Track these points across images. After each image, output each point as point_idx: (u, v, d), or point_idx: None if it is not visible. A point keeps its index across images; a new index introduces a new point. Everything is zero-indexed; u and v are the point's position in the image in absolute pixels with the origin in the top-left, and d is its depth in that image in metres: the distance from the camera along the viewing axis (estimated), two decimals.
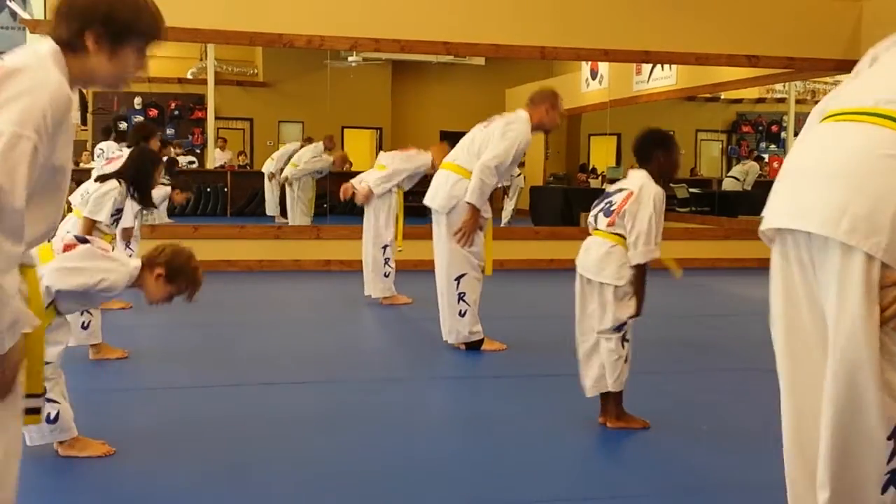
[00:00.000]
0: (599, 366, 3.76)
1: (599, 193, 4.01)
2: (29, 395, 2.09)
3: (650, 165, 3.79)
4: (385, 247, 7.00)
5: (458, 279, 5.25)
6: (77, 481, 3.15)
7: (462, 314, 5.27)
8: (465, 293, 5.24)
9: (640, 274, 3.69)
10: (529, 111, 5.24)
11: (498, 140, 5.10)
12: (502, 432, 3.84)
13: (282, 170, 12.15)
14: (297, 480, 3.20)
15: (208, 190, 14.14)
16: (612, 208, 3.73)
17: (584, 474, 3.39)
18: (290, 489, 3.11)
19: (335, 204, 13.69)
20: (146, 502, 3.05)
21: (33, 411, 2.18)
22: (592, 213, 3.84)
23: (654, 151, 3.78)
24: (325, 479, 3.22)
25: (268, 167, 12.57)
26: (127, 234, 6.40)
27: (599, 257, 3.70)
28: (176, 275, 3.21)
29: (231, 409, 4.11)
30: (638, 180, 3.74)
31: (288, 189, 11.92)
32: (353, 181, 7.24)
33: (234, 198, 14.01)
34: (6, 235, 1.62)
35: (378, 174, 7.07)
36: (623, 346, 3.72)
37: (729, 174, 15.39)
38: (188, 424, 3.87)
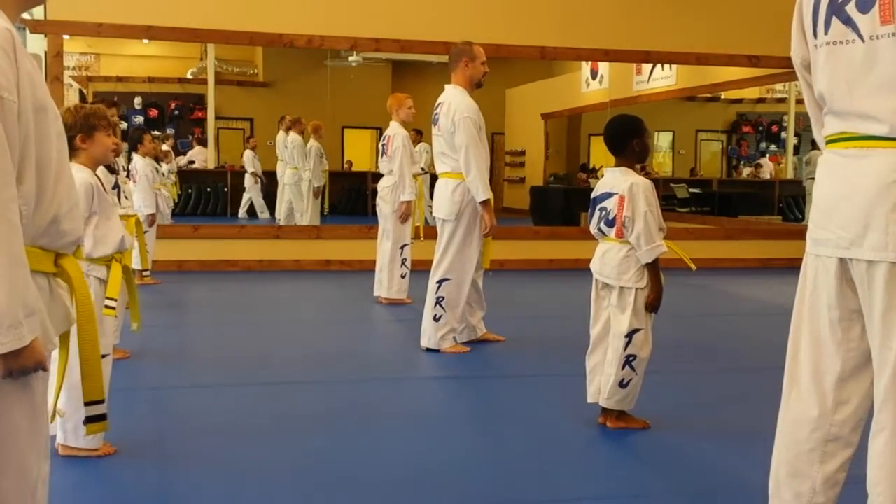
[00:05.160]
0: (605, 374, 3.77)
1: None
2: (89, 403, 1.92)
3: (626, 155, 3.79)
4: (403, 246, 6.94)
5: (440, 282, 5.25)
6: (77, 480, 3.15)
7: (437, 318, 5.26)
8: (443, 297, 5.24)
9: (653, 271, 3.70)
10: (455, 79, 5.27)
11: (460, 132, 5.10)
12: (502, 432, 3.85)
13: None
14: (297, 480, 3.20)
15: (208, 190, 14.13)
16: (611, 217, 3.73)
17: (584, 473, 3.39)
18: (291, 489, 3.11)
19: (335, 204, 13.72)
20: (146, 501, 3.05)
21: (96, 419, 2.06)
22: (593, 224, 3.83)
23: (630, 140, 3.76)
24: (325, 478, 3.22)
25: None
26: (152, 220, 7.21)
27: (618, 262, 3.71)
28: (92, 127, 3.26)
29: (232, 409, 4.11)
30: (623, 180, 3.72)
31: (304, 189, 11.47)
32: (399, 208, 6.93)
33: (234, 198, 14.00)
34: None
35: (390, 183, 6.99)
36: (627, 365, 3.68)
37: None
38: (188, 424, 3.87)
